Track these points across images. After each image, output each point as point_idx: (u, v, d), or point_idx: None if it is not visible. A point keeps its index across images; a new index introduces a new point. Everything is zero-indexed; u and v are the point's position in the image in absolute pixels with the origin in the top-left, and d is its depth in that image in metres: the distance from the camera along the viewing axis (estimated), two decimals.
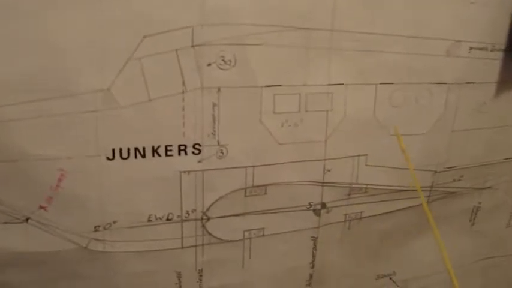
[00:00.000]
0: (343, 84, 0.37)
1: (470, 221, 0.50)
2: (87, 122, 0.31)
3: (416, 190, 0.43)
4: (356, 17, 0.36)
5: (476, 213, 0.49)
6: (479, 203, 0.49)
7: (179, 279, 0.38)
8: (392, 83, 0.39)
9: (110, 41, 0.30)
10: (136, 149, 0.33)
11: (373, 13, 0.36)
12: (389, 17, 0.37)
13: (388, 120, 0.40)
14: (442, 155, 0.43)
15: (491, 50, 0.41)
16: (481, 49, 0.41)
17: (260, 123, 0.36)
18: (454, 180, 0.46)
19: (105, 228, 0.34)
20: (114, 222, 0.34)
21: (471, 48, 0.40)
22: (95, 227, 0.34)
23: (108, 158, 0.33)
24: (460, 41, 0.40)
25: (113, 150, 0.33)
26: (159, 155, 0.34)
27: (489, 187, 0.48)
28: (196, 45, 0.32)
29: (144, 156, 0.33)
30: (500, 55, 0.42)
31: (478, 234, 0.51)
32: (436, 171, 0.44)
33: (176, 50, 0.32)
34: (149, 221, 0.35)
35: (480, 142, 0.45)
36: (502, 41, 0.41)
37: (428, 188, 0.44)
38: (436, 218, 0.46)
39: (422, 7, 0.37)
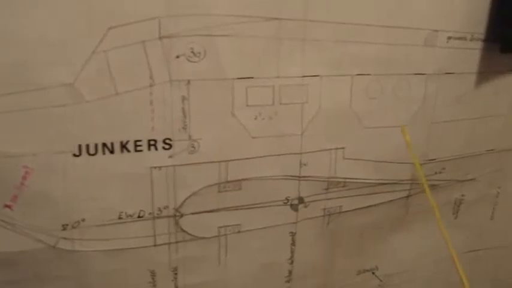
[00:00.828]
0: (318, 75, 0.36)
1: (453, 213, 0.49)
2: (51, 118, 0.30)
3: (395, 184, 0.42)
4: (330, 6, 0.35)
5: (459, 206, 0.49)
6: (462, 195, 0.48)
7: (153, 278, 0.37)
8: (369, 74, 0.38)
9: (73, 33, 0.29)
10: (104, 144, 0.32)
11: (348, 3, 0.35)
12: (364, 7, 0.36)
13: (365, 112, 0.39)
14: (421, 148, 0.43)
15: (470, 40, 0.40)
16: (459, 39, 0.40)
17: (232, 116, 0.35)
18: (436, 173, 0.45)
19: (73, 227, 0.33)
20: (82, 220, 0.33)
21: (449, 37, 0.40)
22: (63, 226, 0.33)
23: (74, 155, 0.32)
24: (437, 30, 0.39)
25: (80, 146, 0.32)
26: (128, 150, 0.33)
27: (472, 179, 0.48)
28: (164, 37, 0.31)
29: (112, 152, 0.32)
30: (479, 45, 0.41)
31: (462, 227, 0.50)
32: None
33: (143, 42, 0.31)
34: (120, 218, 0.34)
35: (461, 134, 0.44)
36: (481, 30, 0.40)
37: (409, 181, 0.44)
38: (418, 211, 0.45)
39: None
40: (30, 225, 0.32)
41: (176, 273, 0.37)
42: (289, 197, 0.39)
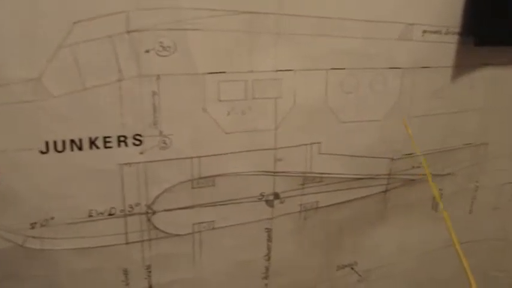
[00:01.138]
0: (292, 70, 0.36)
1: (433, 208, 0.49)
2: (17, 114, 0.30)
3: (372, 178, 0.42)
4: (304, 0, 0.35)
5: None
6: (440, 189, 0.48)
7: (126, 276, 0.36)
8: (344, 69, 0.38)
9: (37, 27, 0.29)
10: (72, 141, 0.31)
11: None
12: (338, 1, 0.36)
13: (341, 106, 0.39)
14: (398, 142, 0.43)
15: (446, 33, 0.40)
16: (434, 32, 0.40)
17: (204, 112, 0.34)
18: (413, 167, 0.45)
19: (42, 225, 0.32)
20: (51, 218, 0.32)
21: (424, 31, 0.39)
22: (31, 224, 0.32)
23: (41, 152, 0.31)
24: (412, 24, 0.39)
25: (47, 143, 0.31)
26: (97, 147, 0.32)
27: (449, 173, 0.48)
28: (132, 31, 0.31)
29: (80, 148, 0.32)
30: (455, 38, 0.41)
31: (441, 221, 0.50)
32: (393, 159, 0.43)
33: (110, 36, 0.30)
34: (90, 216, 0.33)
35: (438, 128, 0.44)
36: (456, 24, 0.40)
37: (386, 176, 0.44)
38: (396, 206, 0.45)
39: None
40: None
41: (150, 271, 0.37)
42: (264, 192, 0.39)
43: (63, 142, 0.31)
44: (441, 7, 0.39)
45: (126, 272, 0.36)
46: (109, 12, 0.30)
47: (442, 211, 0.40)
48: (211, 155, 0.35)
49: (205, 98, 0.34)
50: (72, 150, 0.32)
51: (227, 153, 0.36)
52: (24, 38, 0.28)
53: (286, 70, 0.36)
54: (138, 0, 0.30)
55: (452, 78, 0.42)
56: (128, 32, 0.31)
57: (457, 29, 0.40)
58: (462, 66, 0.42)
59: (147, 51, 0.31)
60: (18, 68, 0.29)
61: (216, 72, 0.34)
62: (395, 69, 0.40)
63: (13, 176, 0.31)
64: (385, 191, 0.44)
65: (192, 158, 0.35)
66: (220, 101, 0.34)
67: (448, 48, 0.41)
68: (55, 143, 0.31)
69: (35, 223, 0.32)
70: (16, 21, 0.28)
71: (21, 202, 0.31)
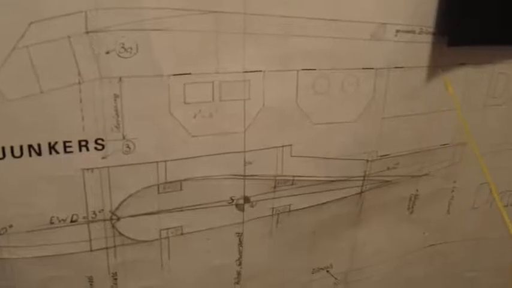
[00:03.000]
0: (261, 71, 0.35)
1: (408, 209, 0.48)
2: None
3: (347, 180, 0.42)
4: None
5: (414, 201, 0.48)
6: (417, 190, 0.48)
7: (91, 284, 0.35)
8: (315, 69, 0.37)
9: None
10: (30, 146, 0.30)
11: None
12: None
13: (312, 108, 0.38)
14: (373, 143, 0.42)
15: (419, 33, 0.40)
16: (408, 32, 0.39)
17: (170, 114, 0.33)
18: (389, 169, 0.44)
19: (0, 234, 0.31)
20: (10, 226, 0.31)
21: (398, 31, 0.39)
22: None
23: None
24: (385, 23, 0.38)
25: (3, 149, 0.30)
26: (56, 152, 0.31)
27: (426, 174, 0.47)
28: (91, 32, 0.30)
29: (39, 153, 0.31)
30: (429, 38, 0.40)
31: (418, 222, 0.50)
32: (368, 160, 0.42)
33: (68, 36, 0.29)
34: (51, 223, 0.32)
35: (413, 128, 0.44)
36: (430, 23, 0.40)
37: (361, 178, 0.43)
38: (372, 208, 0.45)
39: None
40: None
41: (116, 279, 0.36)
42: (234, 196, 0.38)
43: (21, 147, 0.30)
44: (415, 7, 0.38)
45: (91, 280, 0.35)
46: (67, 12, 0.29)
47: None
48: (178, 159, 0.35)
49: (170, 101, 0.33)
50: (30, 155, 0.30)
51: (194, 157, 0.35)
52: None
53: (254, 71, 0.35)
54: (97, 0, 0.29)
55: (427, 79, 0.42)
56: (87, 32, 0.30)
57: (431, 29, 0.40)
58: (437, 66, 0.41)
59: (108, 53, 0.30)
60: None
61: (181, 74, 0.33)
62: (368, 70, 0.39)
63: None
64: (361, 193, 0.44)
65: (157, 162, 0.34)
66: (186, 103, 0.33)
67: (422, 48, 0.40)
68: (12, 148, 0.30)
69: None
70: None
71: None
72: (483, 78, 0.45)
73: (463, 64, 0.43)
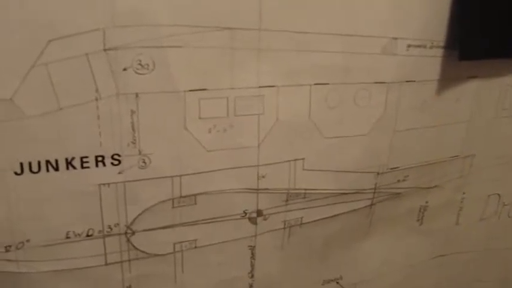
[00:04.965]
0: (274, 86, 0.35)
1: (418, 220, 0.49)
2: None
3: (358, 193, 0.42)
4: (285, 15, 0.34)
5: (423, 213, 0.48)
6: (426, 202, 0.48)
7: None
8: (327, 84, 0.37)
9: (9, 46, 0.28)
10: (47, 161, 0.31)
11: (303, 11, 0.34)
12: (321, 15, 0.35)
13: (325, 122, 0.38)
14: (384, 156, 0.42)
15: (430, 47, 0.40)
16: (419, 46, 0.39)
17: (185, 129, 0.33)
18: (399, 181, 0.45)
19: (17, 248, 0.31)
20: (27, 241, 0.32)
21: (409, 45, 0.39)
22: (6, 247, 0.31)
23: (16, 173, 0.30)
24: (396, 38, 0.38)
25: (21, 164, 0.30)
26: (74, 167, 0.31)
27: (436, 186, 0.47)
28: (109, 49, 0.30)
29: (57, 169, 0.31)
30: (439, 52, 0.40)
31: (427, 233, 0.50)
32: (378, 173, 0.43)
33: (86, 54, 0.30)
34: (67, 237, 0.33)
35: (424, 141, 0.44)
36: (440, 37, 0.40)
37: (372, 190, 0.43)
38: (382, 220, 0.45)
39: (356, 4, 0.36)
40: None
41: None
42: (247, 210, 0.38)
43: (39, 163, 0.30)
44: (426, 21, 0.39)
45: None
46: (85, 29, 0.29)
47: None
48: (193, 174, 0.35)
49: (185, 116, 0.33)
50: (48, 171, 0.31)
51: (209, 171, 0.35)
52: None
53: (268, 86, 0.35)
54: (115, 17, 0.29)
55: (438, 92, 0.42)
56: (105, 49, 0.30)
57: (442, 43, 0.40)
58: (447, 79, 0.42)
59: (125, 69, 0.31)
60: None
61: (197, 90, 0.33)
62: (379, 84, 0.39)
63: None
64: (371, 205, 0.44)
65: (172, 176, 0.34)
66: (201, 118, 0.34)
67: (433, 61, 0.40)
68: (30, 164, 0.30)
69: (10, 246, 0.31)
70: None
71: None
72: (493, 91, 0.45)
73: (473, 77, 0.43)
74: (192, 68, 0.32)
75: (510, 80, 0.46)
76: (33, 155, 0.30)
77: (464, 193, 0.50)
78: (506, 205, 0.54)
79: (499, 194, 0.52)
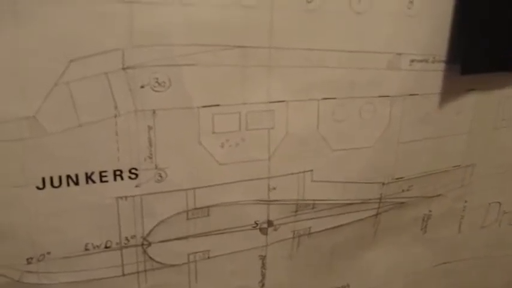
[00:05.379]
0: (284, 101, 0.37)
1: (421, 229, 0.50)
2: (13, 151, 0.30)
3: (364, 203, 0.43)
4: (294, 33, 0.35)
5: (427, 221, 0.50)
6: (430, 211, 0.49)
7: None
8: (334, 98, 0.39)
9: (33, 66, 0.29)
10: (68, 176, 0.32)
11: (311, 29, 0.36)
12: (328, 33, 0.37)
13: (332, 135, 0.39)
14: (389, 167, 0.44)
15: (432, 62, 0.41)
16: (422, 61, 0.41)
17: (199, 144, 0.35)
18: (403, 191, 0.46)
19: (39, 260, 0.33)
20: (48, 253, 0.33)
21: (412, 60, 0.40)
22: (28, 260, 0.32)
23: (38, 187, 0.31)
24: (400, 53, 0.40)
25: (43, 179, 0.31)
26: (93, 181, 0.33)
27: (439, 195, 0.49)
28: (128, 68, 0.31)
29: (77, 183, 0.32)
30: (441, 66, 0.42)
31: (431, 241, 0.51)
32: (384, 183, 0.44)
33: (106, 73, 0.31)
34: (86, 249, 0.34)
35: (427, 152, 0.45)
36: (442, 52, 0.41)
37: (377, 200, 0.44)
38: (387, 229, 0.46)
39: (362, 21, 0.37)
40: None
41: None
42: (258, 221, 0.39)
43: (60, 178, 0.32)
44: (428, 37, 0.40)
45: None
46: (105, 49, 0.30)
47: None
48: (206, 186, 0.36)
49: (199, 131, 0.34)
50: (68, 185, 0.32)
51: (222, 184, 0.36)
52: (20, 77, 0.29)
53: (278, 101, 0.37)
54: (133, 38, 0.31)
55: (440, 105, 0.43)
56: (124, 68, 0.31)
57: (444, 58, 0.41)
58: (449, 92, 0.43)
59: (143, 87, 0.32)
60: (14, 106, 0.29)
61: (210, 106, 0.34)
62: (384, 98, 0.40)
63: (9, 212, 0.31)
64: (376, 215, 0.45)
65: (187, 189, 0.35)
66: (214, 133, 0.35)
67: (435, 76, 0.42)
68: (51, 178, 0.31)
69: (32, 258, 0.32)
70: (11, 59, 0.28)
71: (18, 238, 0.32)
72: (492, 103, 0.47)
73: (473, 90, 0.45)
74: (206, 85, 0.34)
75: (508, 92, 0.47)
76: (54, 170, 0.31)
77: (466, 201, 0.51)
78: (506, 213, 0.55)
79: (499, 202, 0.53)
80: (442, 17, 0.40)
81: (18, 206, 0.31)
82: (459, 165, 0.49)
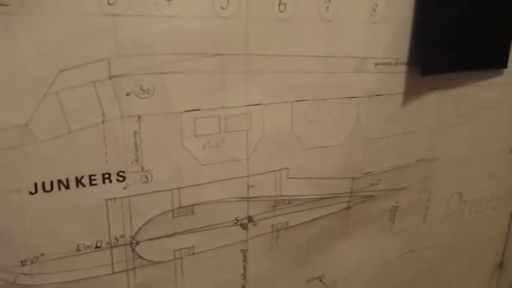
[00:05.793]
0: (260, 104, 0.39)
1: (390, 220, 0.53)
2: (5, 159, 0.31)
3: (336, 197, 0.46)
4: (268, 41, 0.38)
5: (394, 213, 0.53)
6: (397, 202, 0.53)
7: None
8: (307, 100, 0.41)
9: (24, 77, 0.30)
10: (59, 181, 0.33)
11: (284, 37, 0.39)
12: (299, 40, 0.39)
13: (305, 134, 0.42)
14: (358, 163, 0.47)
15: (395, 64, 0.45)
16: (385, 64, 0.44)
17: (182, 147, 0.37)
18: (372, 185, 0.49)
19: (32, 262, 0.34)
20: (41, 255, 0.34)
21: (377, 63, 0.44)
22: (22, 262, 0.34)
23: (30, 192, 0.33)
24: (366, 57, 0.43)
25: (35, 184, 0.33)
26: (83, 185, 0.34)
27: (404, 187, 0.52)
28: (114, 76, 0.33)
29: (67, 187, 0.34)
30: (403, 68, 0.45)
31: (399, 231, 0.55)
32: (354, 178, 0.47)
33: (93, 82, 0.33)
34: (78, 250, 0.35)
35: (393, 148, 0.49)
36: (403, 55, 0.45)
37: (348, 194, 0.47)
38: (358, 221, 0.49)
39: (330, 29, 0.40)
40: None
41: None
42: (239, 217, 0.42)
43: (51, 182, 0.33)
44: (391, 41, 0.43)
45: None
46: (92, 60, 0.32)
47: None
48: (190, 186, 0.38)
49: (182, 134, 0.37)
50: (59, 189, 0.34)
51: (204, 183, 0.39)
52: (11, 87, 0.30)
53: (255, 104, 0.39)
54: (118, 48, 0.33)
55: (404, 104, 0.47)
56: (110, 77, 0.33)
57: (405, 60, 0.45)
58: (412, 92, 0.47)
59: (128, 94, 0.34)
60: (6, 115, 0.31)
61: (192, 110, 0.37)
62: (352, 98, 0.44)
63: (3, 217, 0.32)
64: (348, 208, 0.48)
65: (172, 190, 0.38)
66: (196, 136, 0.37)
67: (398, 77, 0.45)
68: (43, 183, 0.33)
69: (26, 260, 0.34)
70: (4, 70, 0.30)
71: (12, 241, 0.33)
72: (451, 100, 0.51)
73: (434, 89, 0.49)
74: (187, 91, 0.36)
75: (464, 90, 0.51)
76: (46, 175, 0.33)
77: (429, 193, 0.55)
78: (466, 202, 0.59)
79: (460, 193, 0.58)
80: (403, 23, 0.44)
81: (12, 211, 0.32)
82: (423, 160, 0.52)
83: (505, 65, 0.52)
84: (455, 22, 0.45)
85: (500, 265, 0.66)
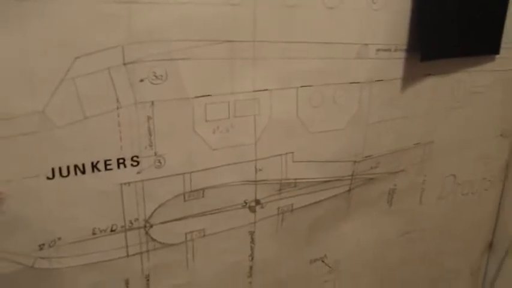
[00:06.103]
0: (267, 89, 0.40)
1: (388, 202, 0.55)
2: (24, 145, 0.32)
3: (338, 180, 0.47)
4: (275, 28, 0.39)
5: (392, 195, 0.55)
6: (395, 185, 0.54)
7: (127, 286, 0.39)
8: (311, 86, 0.43)
9: (41, 64, 0.31)
10: (75, 166, 0.34)
11: (290, 23, 0.40)
12: (305, 27, 0.40)
13: (310, 119, 0.43)
14: (359, 146, 0.48)
15: (395, 50, 0.46)
16: (386, 50, 0.45)
17: (194, 132, 0.38)
18: (372, 168, 0.51)
19: (50, 246, 0.35)
20: (58, 239, 0.35)
21: (378, 49, 0.45)
22: (40, 246, 0.34)
23: (48, 178, 0.33)
24: (367, 44, 0.44)
25: (53, 170, 0.33)
26: (98, 170, 0.35)
27: (402, 170, 0.54)
28: (128, 63, 0.34)
29: (84, 172, 0.35)
30: (402, 54, 0.47)
31: (396, 213, 0.57)
32: (355, 161, 0.49)
33: (108, 68, 0.33)
34: (93, 234, 0.36)
35: (392, 132, 0.50)
36: (403, 42, 0.46)
37: (350, 177, 0.49)
38: (358, 203, 0.51)
39: (333, 16, 0.41)
40: (6, 248, 0.33)
41: (148, 280, 0.40)
42: (247, 200, 0.43)
43: (68, 168, 0.34)
44: (391, 28, 0.45)
45: (127, 283, 0.39)
46: (107, 46, 0.33)
47: None
48: (201, 170, 0.39)
49: (194, 120, 0.38)
50: (76, 174, 0.34)
51: (214, 167, 0.40)
52: (29, 74, 0.31)
53: (262, 90, 0.40)
54: (132, 36, 0.33)
55: (402, 89, 0.48)
56: (124, 64, 0.34)
57: (405, 46, 0.46)
58: (410, 77, 0.48)
59: (142, 80, 0.35)
60: (24, 102, 0.31)
61: (203, 96, 0.37)
62: (354, 84, 0.45)
63: (22, 202, 0.33)
64: (349, 190, 0.50)
65: (183, 174, 0.38)
66: (207, 121, 0.38)
67: (397, 63, 0.47)
68: (60, 169, 0.34)
69: (43, 244, 0.35)
70: (21, 58, 0.30)
71: (30, 226, 0.34)
72: (447, 86, 0.52)
73: (430, 75, 0.50)
74: (199, 76, 0.37)
75: (459, 76, 0.53)
76: (63, 160, 0.34)
77: (425, 175, 0.57)
78: (459, 184, 0.61)
79: (454, 175, 0.60)
80: (403, 11, 0.45)
81: (30, 196, 0.33)
82: (419, 143, 0.54)
83: (497, 51, 0.53)
84: (452, 9, 0.47)
85: (490, 244, 0.68)
